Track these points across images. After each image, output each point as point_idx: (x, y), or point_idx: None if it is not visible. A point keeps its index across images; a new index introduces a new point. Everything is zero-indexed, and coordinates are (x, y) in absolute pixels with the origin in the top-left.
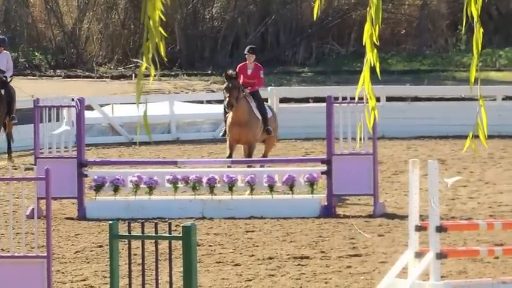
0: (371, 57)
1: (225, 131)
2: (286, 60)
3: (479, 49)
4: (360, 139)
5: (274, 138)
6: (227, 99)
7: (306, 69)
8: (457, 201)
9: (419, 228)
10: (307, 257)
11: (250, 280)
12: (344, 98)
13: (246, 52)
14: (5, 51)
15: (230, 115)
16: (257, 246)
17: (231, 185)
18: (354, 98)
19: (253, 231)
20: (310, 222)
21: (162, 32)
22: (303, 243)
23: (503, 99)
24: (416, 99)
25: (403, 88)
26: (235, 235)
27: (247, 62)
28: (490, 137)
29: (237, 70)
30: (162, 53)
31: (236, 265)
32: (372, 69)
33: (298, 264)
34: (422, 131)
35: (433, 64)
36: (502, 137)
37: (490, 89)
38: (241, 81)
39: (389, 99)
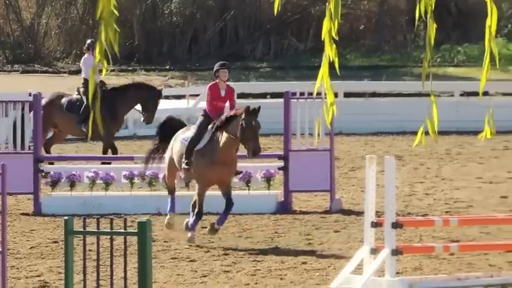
0: (330, 52)
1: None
2: (245, 55)
3: (432, 45)
4: (318, 135)
5: None
6: (252, 144)
7: (265, 65)
8: (413, 197)
9: (375, 225)
10: (262, 253)
11: (206, 276)
12: (302, 94)
13: (217, 68)
14: None
15: (210, 152)
16: (213, 242)
17: (187, 181)
18: (312, 94)
19: (207, 227)
20: (266, 218)
21: (116, 26)
22: (258, 239)
23: (461, 95)
24: (374, 95)
25: (361, 84)
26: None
27: (217, 81)
28: (447, 133)
29: (207, 91)
30: (116, 48)
31: (191, 261)
32: (331, 65)
33: (254, 260)
34: (379, 127)
35: (391, 60)
36: (460, 133)
37: (448, 84)
38: (209, 106)
39: (347, 94)
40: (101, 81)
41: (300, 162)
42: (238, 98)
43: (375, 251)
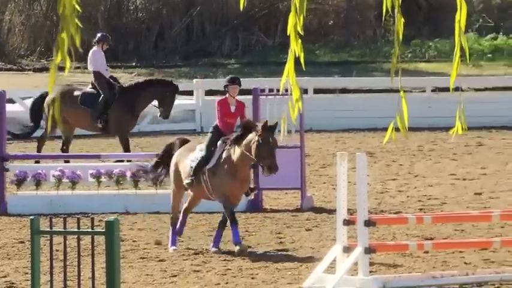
0: (295, 47)
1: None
2: (212, 51)
3: (401, 40)
4: (289, 131)
5: None
6: (268, 162)
7: (233, 61)
8: (386, 194)
9: (348, 223)
10: (233, 253)
11: (175, 276)
12: (271, 90)
13: (226, 83)
14: None
15: (223, 169)
16: (182, 241)
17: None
18: (279, 90)
19: None
20: (236, 216)
21: (78, 22)
22: (229, 238)
23: (432, 90)
24: (344, 91)
25: (331, 80)
26: (160, 230)
27: (227, 96)
28: (419, 129)
29: (217, 107)
30: (78, 44)
31: (161, 261)
32: (297, 61)
33: (224, 260)
34: (350, 123)
35: (361, 55)
36: (432, 129)
37: (419, 80)
38: (221, 123)
39: (317, 91)
40: (113, 77)
41: None
42: (206, 95)
43: (347, 250)
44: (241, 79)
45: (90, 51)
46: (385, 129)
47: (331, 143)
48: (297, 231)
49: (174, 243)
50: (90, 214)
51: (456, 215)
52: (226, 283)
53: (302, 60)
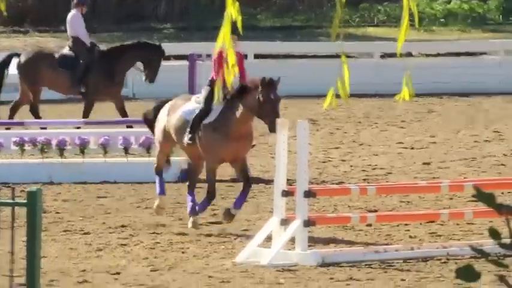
0: (232, 11)
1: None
2: (146, 15)
3: (344, 1)
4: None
5: None
6: (271, 120)
7: (168, 25)
8: (328, 164)
9: (286, 193)
10: (163, 225)
11: (101, 250)
12: (208, 56)
13: None
14: None
15: (223, 126)
16: (109, 213)
17: (82, 148)
18: None
19: (105, 197)
20: (167, 187)
21: None
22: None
23: (381, 56)
24: (288, 56)
25: (273, 45)
26: (86, 201)
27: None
28: (366, 95)
29: (213, 59)
30: (2, 8)
31: (85, 234)
32: (234, 25)
33: (153, 233)
34: (292, 89)
35: (306, 20)
36: (380, 95)
37: (367, 45)
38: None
39: (257, 56)
40: (93, 43)
41: None
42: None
43: (285, 222)
44: (177, 44)
45: (69, 15)
46: (336, 95)
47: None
48: (232, 202)
49: (162, 192)
50: (11, 184)
51: (402, 185)
52: (155, 257)
53: (239, 24)
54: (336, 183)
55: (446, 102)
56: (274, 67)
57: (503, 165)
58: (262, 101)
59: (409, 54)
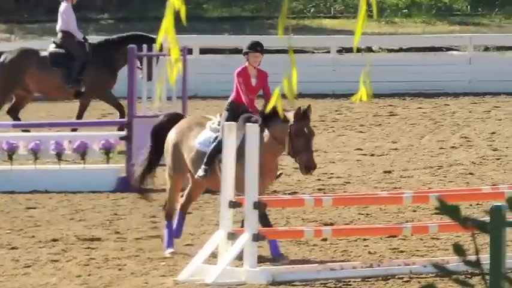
0: (175, 0)
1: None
2: (82, 5)
3: None
4: (169, 98)
5: None
6: (305, 158)
7: (106, 16)
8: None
9: (234, 205)
10: (98, 239)
11: (29, 266)
12: (150, 50)
13: (247, 50)
14: None
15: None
16: (39, 226)
17: (11, 153)
18: (162, 50)
19: (35, 208)
20: (104, 197)
21: None
22: (94, 222)
23: (338, 51)
24: (236, 51)
25: (221, 38)
26: (14, 212)
27: (247, 65)
28: (322, 95)
29: (236, 78)
30: None
31: (13, 248)
32: (178, 15)
33: (88, 248)
34: None
35: (256, 10)
36: (337, 96)
37: (323, 39)
38: (246, 98)
39: (204, 51)
40: (84, 38)
41: (146, 131)
42: None
43: (232, 236)
44: (115, 36)
45: (61, 8)
46: (282, 95)
47: (219, 112)
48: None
49: (171, 244)
50: None
51: (361, 196)
52: (89, 275)
53: (183, 15)
54: (289, 193)
55: (409, 104)
56: (221, 64)
57: (472, 174)
58: (295, 135)
59: (369, 49)
